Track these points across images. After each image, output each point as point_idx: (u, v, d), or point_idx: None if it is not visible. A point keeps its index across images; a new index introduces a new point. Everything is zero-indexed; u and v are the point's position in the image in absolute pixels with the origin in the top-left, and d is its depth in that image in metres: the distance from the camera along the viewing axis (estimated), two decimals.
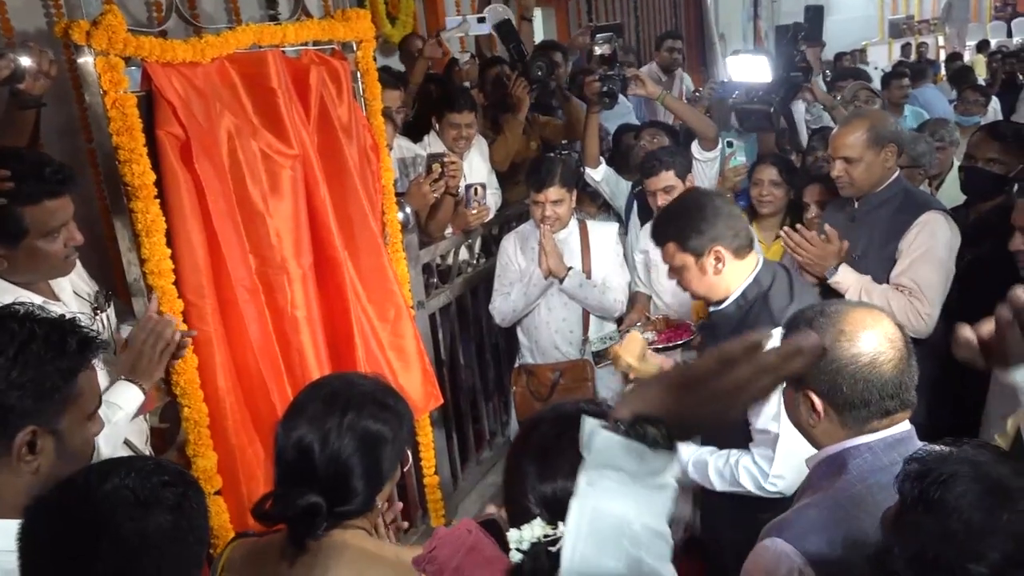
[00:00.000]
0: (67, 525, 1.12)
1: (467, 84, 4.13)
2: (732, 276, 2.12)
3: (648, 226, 3.38)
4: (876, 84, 6.19)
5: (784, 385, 1.59)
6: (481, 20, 3.97)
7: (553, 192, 3.18)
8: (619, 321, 3.41)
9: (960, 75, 7.36)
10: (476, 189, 3.58)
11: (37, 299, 1.86)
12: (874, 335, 1.46)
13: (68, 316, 1.78)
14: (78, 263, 2.10)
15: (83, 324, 1.37)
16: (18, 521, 1.16)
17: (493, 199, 3.83)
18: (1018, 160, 3.07)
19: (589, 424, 0.88)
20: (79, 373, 1.33)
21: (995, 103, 6.32)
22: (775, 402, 1.98)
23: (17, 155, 1.86)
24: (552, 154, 3.83)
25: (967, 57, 10.82)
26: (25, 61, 1.95)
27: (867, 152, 2.64)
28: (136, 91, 1.99)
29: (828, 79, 6.50)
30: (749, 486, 2.07)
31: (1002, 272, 2.30)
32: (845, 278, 2.54)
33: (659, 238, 2.20)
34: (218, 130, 2.19)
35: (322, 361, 2.43)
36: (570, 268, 3.21)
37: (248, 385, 2.19)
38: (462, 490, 3.58)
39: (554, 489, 1.03)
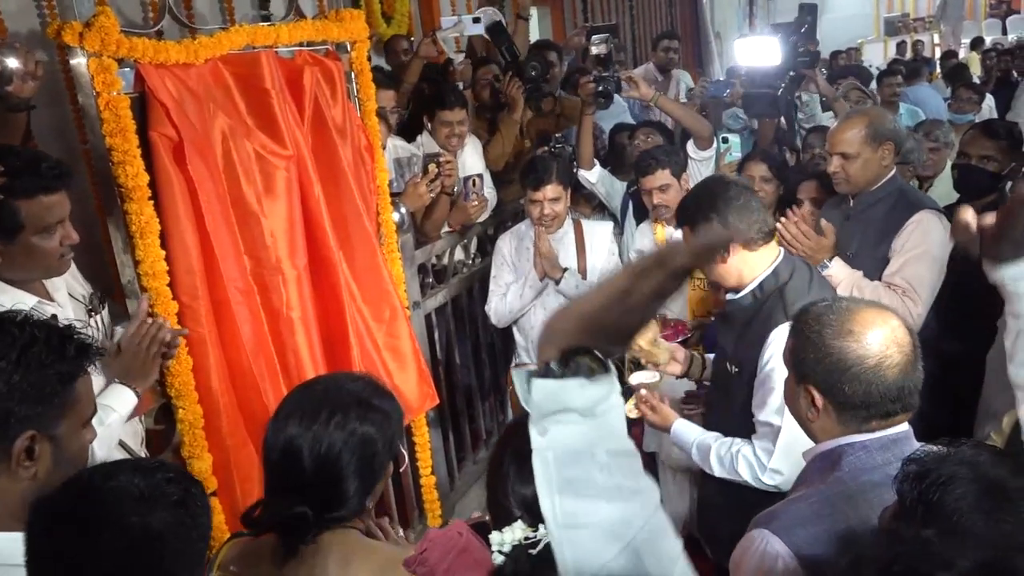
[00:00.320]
0: (71, 521, 1.13)
1: (461, 84, 4.12)
2: (746, 266, 2.11)
3: (643, 226, 3.39)
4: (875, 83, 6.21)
5: (787, 376, 1.60)
6: (476, 20, 3.97)
7: (551, 190, 3.19)
8: None
9: (955, 73, 7.37)
10: (474, 180, 3.57)
11: (32, 299, 1.87)
12: (882, 337, 1.44)
13: (64, 321, 1.80)
14: (73, 265, 2.10)
15: (81, 330, 1.37)
16: (18, 535, 1.16)
17: (489, 198, 3.84)
18: (1011, 158, 3.08)
19: (520, 377, 0.87)
20: (77, 378, 1.33)
21: (990, 101, 6.34)
22: (778, 395, 1.99)
23: (13, 151, 1.86)
24: (546, 148, 3.83)
25: (962, 55, 10.84)
26: (11, 62, 1.94)
27: (865, 148, 2.65)
28: (129, 92, 1.99)
29: (825, 77, 6.50)
30: (746, 476, 2.07)
31: None
32: (837, 272, 2.55)
33: (678, 221, 2.29)
34: (212, 131, 2.19)
35: (317, 362, 2.43)
36: (565, 269, 3.22)
37: (242, 386, 2.19)
38: (459, 490, 3.58)
39: (534, 491, 1.03)
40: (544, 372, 0.87)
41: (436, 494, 3.15)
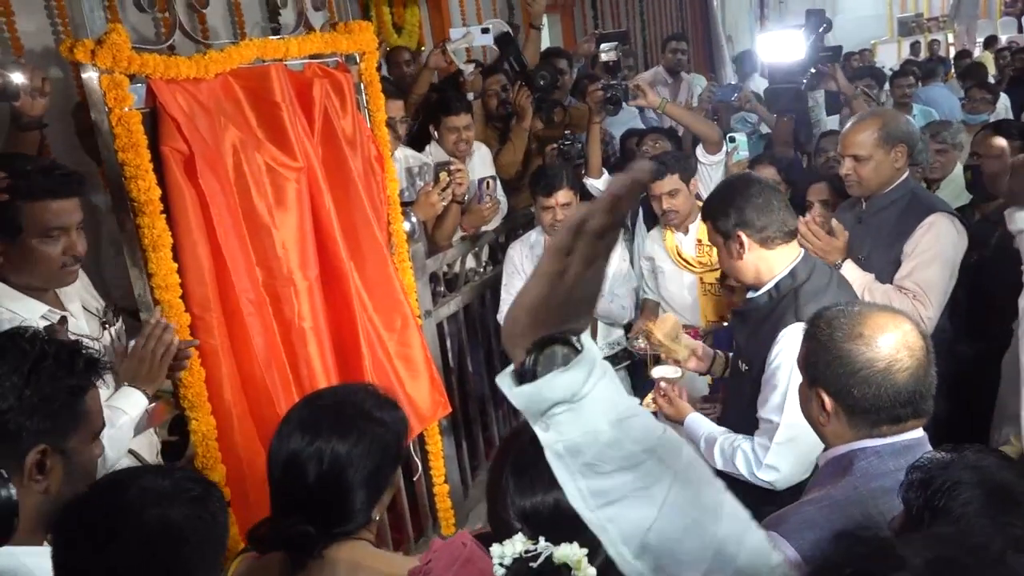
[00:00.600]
0: (98, 513, 1.19)
1: (471, 95, 4.13)
2: (763, 264, 2.13)
3: (653, 232, 3.39)
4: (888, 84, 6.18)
5: (801, 380, 1.59)
6: (485, 31, 3.98)
7: (562, 195, 3.21)
8: (627, 328, 3.41)
9: (969, 73, 7.31)
10: (488, 183, 3.57)
11: (42, 307, 1.89)
12: (893, 341, 1.44)
13: (75, 331, 1.82)
14: (87, 279, 2.13)
15: (89, 345, 1.39)
16: (32, 548, 1.19)
17: (500, 204, 3.85)
18: None
19: (504, 384, 0.86)
20: (87, 393, 1.35)
21: (1005, 100, 6.28)
22: (780, 393, 2.00)
23: (26, 157, 1.89)
24: (555, 145, 3.82)
25: (976, 54, 10.75)
26: (17, 78, 1.97)
27: (877, 151, 2.63)
28: (141, 108, 2.01)
29: None
30: (743, 470, 2.07)
31: (1007, 272, 2.29)
32: (849, 274, 2.54)
33: (703, 214, 2.29)
34: (223, 144, 2.21)
35: (329, 372, 2.44)
36: None
37: (255, 397, 2.21)
38: (473, 498, 3.58)
39: (534, 503, 1.02)
40: (521, 374, 0.86)
41: (450, 502, 3.15)
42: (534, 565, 0.97)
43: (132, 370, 1.91)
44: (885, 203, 2.69)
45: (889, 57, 11.47)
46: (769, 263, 2.12)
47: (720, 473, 2.15)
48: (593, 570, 0.99)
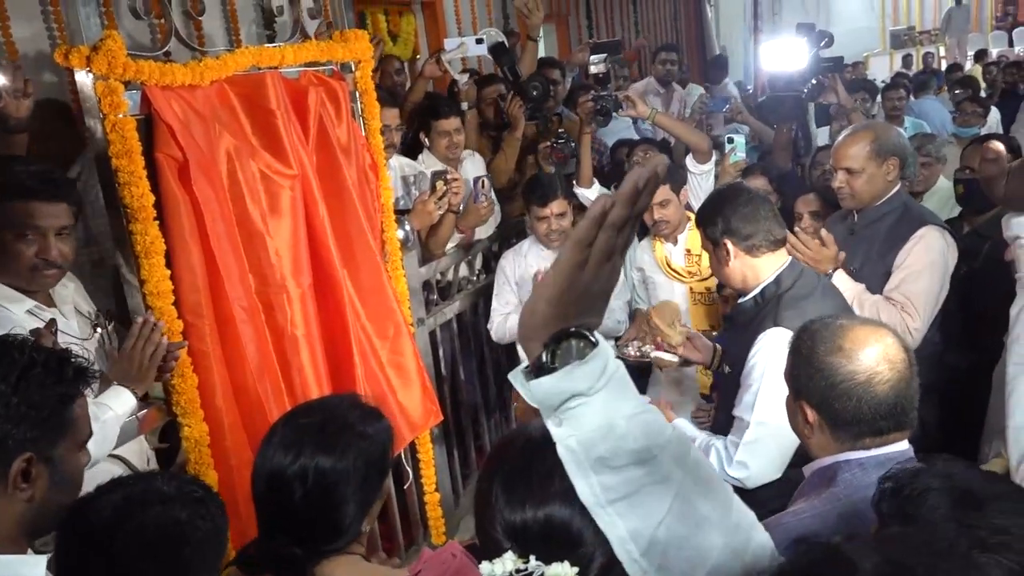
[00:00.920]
0: (102, 513, 1.22)
1: (466, 104, 4.14)
2: (750, 271, 2.20)
3: (644, 242, 3.40)
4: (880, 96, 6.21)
5: (788, 393, 1.61)
6: (479, 42, 3.99)
7: (557, 205, 3.22)
8: (617, 337, 3.42)
9: (960, 85, 7.36)
10: (483, 182, 3.58)
11: (29, 303, 1.89)
12: (873, 354, 1.45)
13: (65, 330, 1.82)
14: (79, 285, 2.12)
15: (78, 354, 1.39)
16: (13, 557, 1.19)
17: (495, 205, 3.85)
18: None
19: (519, 380, 0.88)
20: (75, 401, 1.34)
21: (995, 114, 6.32)
22: (753, 393, 2.05)
23: (23, 159, 1.89)
24: (548, 144, 3.81)
25: (968, 67, 10.82)
26: None
27: (869, 164, 2.64)
28: (136, 114, 2.01)
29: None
30: (715, 467, 2.08)
31: (998, 284, 2.31)
32: (840, 284, 2.55)
33: (696, 222, 2.36)
34: (217, 151, 2.21)
35: (322, 379, 2.44)
36: None
37: (247, 404, 2.20)
38: (464, 507, 3.57)
39: (524, 519, 0.99)
40: (537, 368, 0.87)
41: (440, 511, 3.15)
42: None
43: (121, 369, 1.91)
44: (877, 215, 2.71)
45: (881, 69, 11.54)
46: (755, 270, 2.19)
47: None
48: None
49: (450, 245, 3.58)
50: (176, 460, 2.13)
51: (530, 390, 0.86)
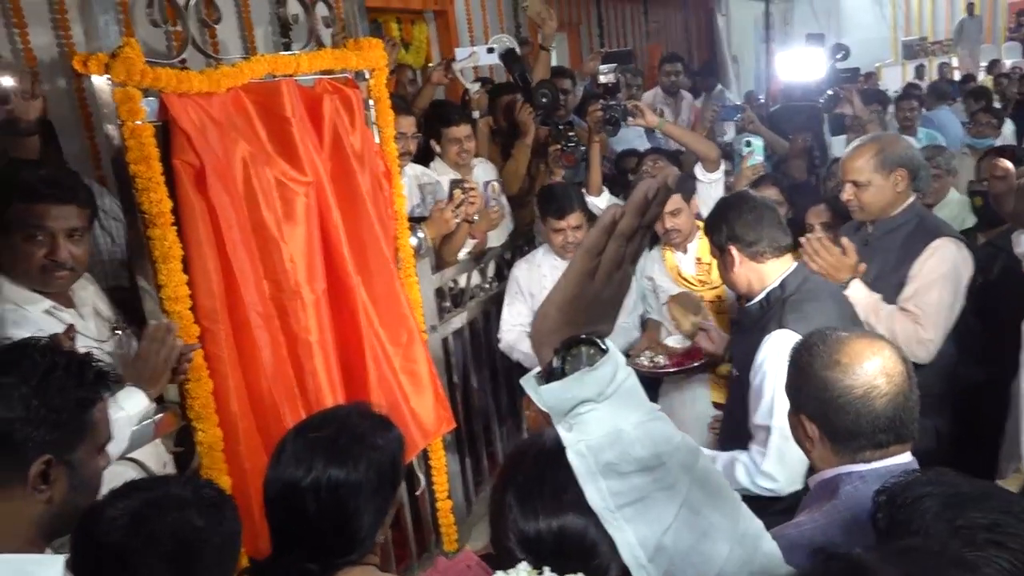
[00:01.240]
0: (120, 517, 1.23)
1: (477, 112, 4.16)
2: (755, 276, 2.26)
3: (654, 251, 3.40)
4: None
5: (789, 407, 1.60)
6: (490, 51, 4.00)
7: (573, 218, 3.23)
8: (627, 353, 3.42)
9: (975, 96, 7.33)
10: (493, 186, 3.61)
11: (46, 303, 1.91)
12: (871, 368, 1.46)
13: (82, 332, 1.84)
14: (96, 288, 2.14)
15: (99, 358, 1.40)
16: (33, 556, 1.20)
17: (505, 221, 3.86)
18: None
19: (530, 385, 0.89)
20: (95, 405, 1.35)
21: (1010, 125, 6.29)
22: (768, 400, 2.04)
23: (38, 163, 1.91)
24: (559, 146, 3.81)
25: (980, 78, 10.78)
26: (7, 81, 1.98)
27: (875, 176, 2.63)
28: (153, 121, 2.03)
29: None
30: (744, 481, 2.09)
31: (1014, 296, 2.29)
32: (856, 293, 2.53)
33: (703, 229, 2.43)
34: (233, 158, 2.23)
35: (335, 385, 2.45)
36: None
37: (261, 409, 2.21)
38: (476, 514, 3.57)
39: (538, 529, 1.00)
40: (548, 373, 0.88)
41: (452, 518, 3.15)
42: None
43: (136, 371, 1.92)
44: (892, 226, 2.69)
45: (893, 80, 11.49)
46: (760, 275, 2.25)
47: None
48: None
49: (463, 252, 3.59)
50: (191, 465, 2.14)
51: (541, 395, 0.88)
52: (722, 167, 3.72)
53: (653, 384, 3.12)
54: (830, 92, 4.43)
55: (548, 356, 0.89)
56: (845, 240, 2.62)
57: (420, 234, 3.00)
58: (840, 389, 1.45)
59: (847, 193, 2.69)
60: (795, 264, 2.28)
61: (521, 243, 3.98)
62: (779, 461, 2.02)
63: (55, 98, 3.10)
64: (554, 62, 6.42)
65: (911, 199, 2.69)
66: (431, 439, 2.90)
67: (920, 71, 11.85)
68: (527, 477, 1.06)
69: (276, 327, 2.28)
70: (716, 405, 3.11)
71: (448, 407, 2.89)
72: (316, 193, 2.44)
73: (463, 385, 3.58)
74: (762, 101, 7.56)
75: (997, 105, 7.02)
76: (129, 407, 1.86)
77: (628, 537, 0.87)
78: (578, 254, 0.88)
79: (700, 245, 3.22)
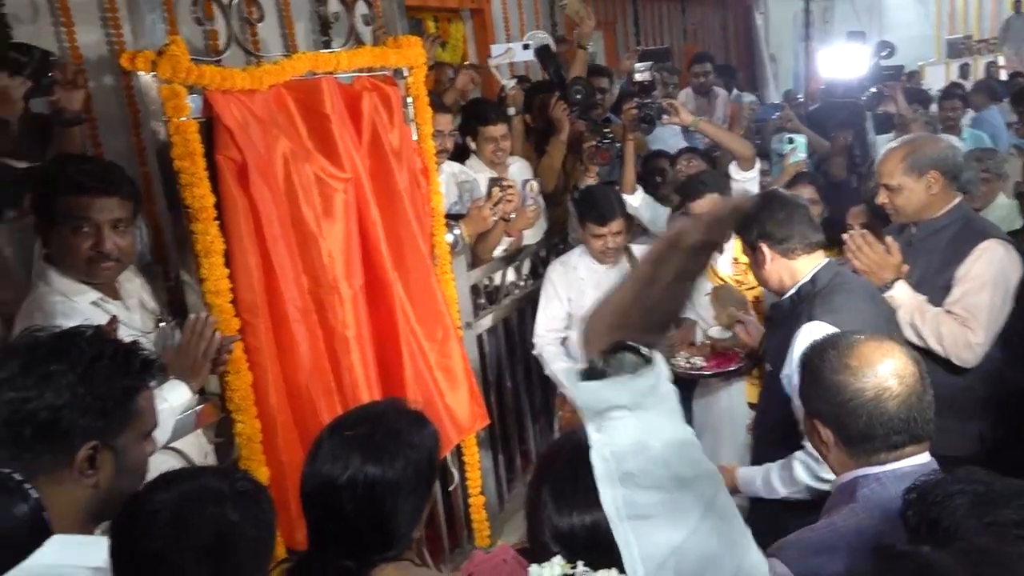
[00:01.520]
0: (158, 510, 1.22)
1: (513, 110, 4.16)
2: (786, 272, 2.30)
3: None
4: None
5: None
6: (526, 47, 4.00)
7: (616, 224, 3.22)
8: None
9: (1020, 96, 7.16)
10: (532, 185, 3.60)
11: (94, 294, 1.95)
12: (881, 370, 1.46)
13: (127, 322, 1.87)
14: (143, 281, 2.18)
15: (145, 347, 1.42)
16: (80, 537, 1.22)
17: (540, 219, 3.86)
18: None
19: (571, 379, 0.89)
20: (140, 393, 1.38)
21: None
22: None
23: (77, 157, 1.94)
24: (594, 144, 3.79)
25: None
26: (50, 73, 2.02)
27: (905, 179, 2.57)
28: (198, 117, 2.06)
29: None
30: (806, 479, 2.08)
31: None
32: (900, 294, 2.49)
33: (735, 228, 2.44)
34: (274, 154, 2.25)
35: (371, 380, 2.47)
36: None
37: (298, 402, 2.24)
38: (508, 511, 3.57)
39: (571, 524, 1.00)
40: (590, 371, 0.88)
41: (485, 514, 3.16)
42: None
43: (177, 364, 1.96)
44: (936, 228, 2.62)
45: (937, 79, 11.26)
46: (792, 271, 2.29)
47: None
48: None
49: (499, 250, 3.60)
50: (230, 456, 2.17)
51: (577, 391, 0.88)
52: (757, 166, 3.68)
53: (689, 384, 3.10)
54: (873, 90, 4.36)
55: (593, 355, 0.88)
56: (889, 239, 2.57)
57: (456, 231, 3.02)
58: (851, 392, 1.45)
59: (881, 196, 2.66)
60: (825, 260, 2.30)
61: (556, 241, 3.97)
62: None
63: (103, 95, 3.16)
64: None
65: (956, 200, 2.62)
66: (465, 435, 2.91)
67: (964, 70, 11.60)
68: (561, 474, 1.08)
69: (314, 321, 2.30)
70: (751, 406, 3.08)
71: (482, 403, 2.91)
72: (355, 189, 2.47)
73: (496, 382, 3.59)
74: (801, 99, 7.47)
75: None
76: (172, 399, 1.90)
77: (633, 551, 0.87)
78: (642, 260, 0.89)
79: (737, 245, 3.19)
